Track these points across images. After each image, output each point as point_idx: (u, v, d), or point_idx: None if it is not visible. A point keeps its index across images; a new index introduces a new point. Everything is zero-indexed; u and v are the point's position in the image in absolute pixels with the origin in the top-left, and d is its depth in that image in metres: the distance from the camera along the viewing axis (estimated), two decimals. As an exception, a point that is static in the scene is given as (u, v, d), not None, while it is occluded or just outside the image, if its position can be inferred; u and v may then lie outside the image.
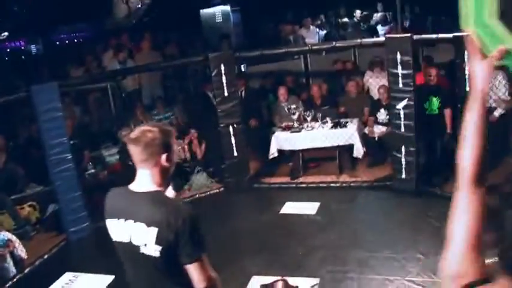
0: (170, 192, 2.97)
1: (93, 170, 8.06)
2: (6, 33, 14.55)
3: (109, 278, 5.77)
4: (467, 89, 5.94)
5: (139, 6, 6.31)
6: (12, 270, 5.93)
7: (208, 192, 8.06)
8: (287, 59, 9.97)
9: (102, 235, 7.03)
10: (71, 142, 7.10)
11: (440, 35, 6.88)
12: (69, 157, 6.80)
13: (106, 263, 6.20)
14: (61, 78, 9.49)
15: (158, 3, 13.10)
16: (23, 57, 16.02)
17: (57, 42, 17.17)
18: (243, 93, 8.71)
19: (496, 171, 6.33)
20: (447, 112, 7.06)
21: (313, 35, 11.99)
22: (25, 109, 8.21)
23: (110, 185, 7.43)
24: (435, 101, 7.08)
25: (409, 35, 6.70)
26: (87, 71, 10.12)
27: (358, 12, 14.74)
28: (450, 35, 6.37)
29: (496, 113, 6.88)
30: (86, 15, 13.55)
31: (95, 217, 7.36)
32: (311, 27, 12.13)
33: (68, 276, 5.97)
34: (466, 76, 5.92)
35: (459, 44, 6.04)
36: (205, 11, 12.66)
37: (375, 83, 8.54)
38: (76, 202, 6.91)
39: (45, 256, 6.59)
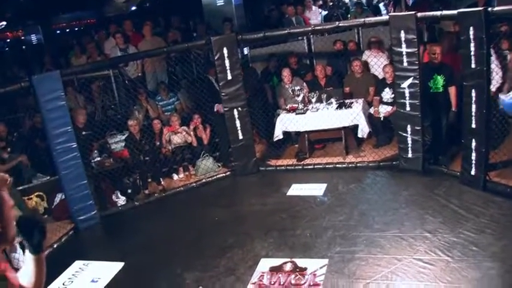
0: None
1: (98, 158, 8.07)
2: (4, 23, 14.50)
3: (119, 265, 5.82)
4: (473, 65, 5.89)
5: (139, -9, 6.23)
6: (23, 260, 5.96)
7: (215, 177, 8.08)
8: (290, 41, 9.89)
9: (111, 223, 7.18)
10: (83, 133, 7.10)
11: (445, 12, 6.79)
12: (74, 146, 6.80)
13: (115, 250, 6.29)
14: (63, 67, 9.51)
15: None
16: (23, 47, 16.00)
17: (58, 31, 17.13)
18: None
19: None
20: (452, 90, 7.00)
21: (315, 15, 11.90)
22: (28, 99, 8.22)
23: (116, 172, 7.57)
24: (440, 79, 7.02)
25: (413, 12, 6.62)
26: (89, 59, 10.11)
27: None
28: (455, 12, 6.29)
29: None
30: (85, 3, 13.52)
31: (103, 205, 7.44)
32: (313, 7, 12.03)
33: (78, 264, 6.01)
34: (472, 53, 5.85)
35: (464, 21, 5.96)
36: (206, -5, 12.55)
37: (374, 63, 8.47)
38: (83, 190, 6.93)
39: (55, 245, 6.62)
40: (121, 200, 7.75)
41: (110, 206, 7.58)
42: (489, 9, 5.69)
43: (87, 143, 7.66)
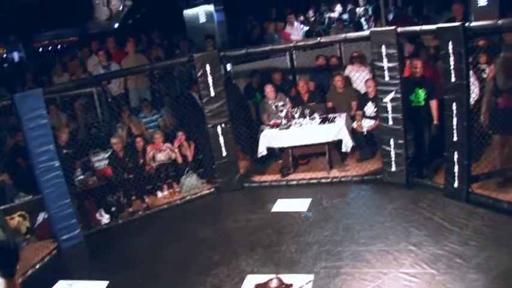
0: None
1: (82, 176, 8.01)
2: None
3: (103, 284, 5.75)
4: (453, 79, 5.97)
5: (121, 8, 6.26)
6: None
7: (199, 194, 8.04)
8: (273, 57, 9.95)
9: (94, 241, 7.09)
10: (64, 151, 7.04)
11: (424, 27, 6.90)
12: (57, 164, 6.74)
13: (99, 269, 6.22)
14: (45, 84, 9.46)
15: (141, 5, 13.08)
16: (5, 65, 15.88)
17: (40, 49, 17.06)
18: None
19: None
20: (433, 103, 7.09)
21: (297, 31, 12.00)
22: (10, 118, 8.14)
23: (100, 190, 7.50)
24: (421, 93, 7.11)
25: (393, 28, 6.70)
26: (73, 77, 10.07)
27: (339, 7, 14.85)
28: (434, 27, 6.39)
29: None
30: (67, 20, 13.47)
31: (86, 223, 7.36)
32: (295, 23, 12.13)
33: (61, 284, 5.93)
34: (451, 67, 5.94)
35: (443, 36, 6.06)
36: (188, 12, 12.62)
37: (357, 78, 8.55)
38: (66, 209, 6.86)
39: (37, 265, 6.52)
40: (105, 218, 7.67)
41: (93, 225, 7.50)
42: (466, 24, 5.79)
43: (69, 161, 7.59)
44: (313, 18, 14.54)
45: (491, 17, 6.87)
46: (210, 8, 12.43)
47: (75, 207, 7.11)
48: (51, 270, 6.47)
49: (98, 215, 7.69)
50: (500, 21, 5.53)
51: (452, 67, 5.94)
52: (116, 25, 7.27)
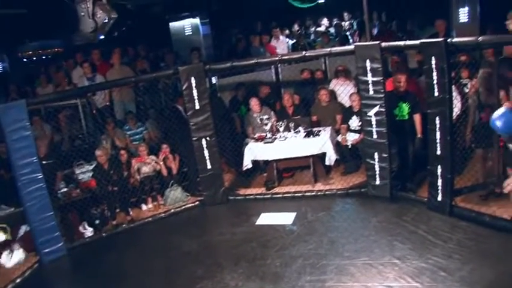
0: None
1: (65, 189, 7.94)
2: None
3: (85, 299, 5.68)
4: (436, 94, 6.04)
5: (106, 20, 6.25)
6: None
7: (183, 207, 8.01)
8: (258, 70, 9.99)
9: (77, 255, 7.01)
10: (44, 162, 6.99)
11: (408, 42, 6.99)
12: (40, 177, 6.69)
13: (82, 283, 6.17)
14: (29, 95, 9.40)
15: (127, 18, 13.07)
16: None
17: (24, 60, 16.93)
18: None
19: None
20: (417, 117, 7.16)
21: (283, 45, 12.07)
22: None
23: (84, 203, 7.43)
24: (405, 107, 7.18)
25: (377, 42, 6.77)
26: (58, 88, 10.00)
27: (325, 21, 14.95)
28: (417, 42, 6.49)
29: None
30: (52, 31, 13.41)
31: (69, 236, 7.29)
32: (280, 37, 12.20)
33: (42, 298, 5.85)
34: (434, 82, 6.01)
35: (426, 51, 6.14)
36: (174, 24, 12.65)
37: (346, 90, 8.60)
38: (49, 222, 6.79)
39: (18, 280, 6.43)
40: (88, 231, 7.59)
41: (76, 238, 7.42)
42: (449, 40, 5.88)
43: (50, 172, 7.50)
44: (298, 32, 14.62)
45: (472, 33, 6.98)
46: (196, 21, 12.47)
47: (58, 220, 7.03)
48: (32, 284, 6.39)
49: (81, 227, 7.61)
50: (480, 38, 5.63)
51: (435, 82, 6.03)
52: (102, 37, 7.25)
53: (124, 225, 7.68)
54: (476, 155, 6.93)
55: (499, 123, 3.91)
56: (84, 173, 8.29)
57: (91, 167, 8.18)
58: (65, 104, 9.03)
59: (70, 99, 8.92)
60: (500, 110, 4.12)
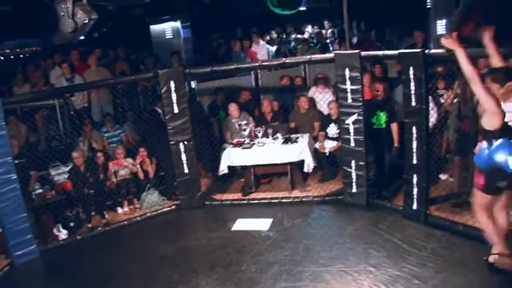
0: None
1: (40, 190, 7.83)
2: None
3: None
4: (414, 103, 6.12)
5: (86, 21, 6.20)
6: None
7: (160, 210, 7.96)
8: (238, 75, 10.00)
9: (51, 258, 6.90)
10: (16, 162, 6.88)
11: (387, 52, 7.07)
12: (14, 177, 6.57)
13: (54, 287, 6.05)
14: (5, 95, 9.26)
15: (108, 19, 12.99)
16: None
17: (1, 58, 16.71)
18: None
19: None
20: (394, 126, 7.23)
21: (263, 50, 12.10)
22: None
23: (59, 205, 7.31)
24: (382, 116, 7.26)
25: (357, 51, 6.83)
26: (35, 88, 9.88)
27: (309, 28, 15.04)
28: (396, 52, 6.56)
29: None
30: (31, 30, 13.26)
31: (43, 239, 7.18)
32: (261, 42, 12.24)
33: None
34: (412, 92, 6.09)
35: (404, 61, 6.22)
36: (155, 27, 12.61)
37: (324, 98, 8.66)
38: (22, 224, 6.66)
39: (-13, 282, 6.32)
40: (62, 234, 7.49)
41: (50, 240, 7.31)
42: (426, 51, 5.97)
43: (23, 172, 7.38)
44: (279, 39, 14.68)
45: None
46: (177, 24, 12.45)
47: (32, 221, 6.92)
48: (2, 287, 6.27)
49: (55, 230, 7.50)
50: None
51: (412, 92, 6.10)
52: (82, 38, 7.19)
53: (99, 228, 7.60)
54: (454, 163, 6.99)
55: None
56: (60, 174, 8.17)
57: (67, 169, 8.08)
58: (42, 104, 8.93)
59: (47, 100, 8.82)
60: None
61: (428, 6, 11.15)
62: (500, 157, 4.38)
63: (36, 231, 6.96)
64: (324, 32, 14.61)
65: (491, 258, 5.00)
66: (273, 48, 12.76)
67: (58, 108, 9.14)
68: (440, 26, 10.64)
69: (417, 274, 5.21)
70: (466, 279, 5.02)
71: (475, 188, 4.91)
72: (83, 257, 6.80)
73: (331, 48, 12.88)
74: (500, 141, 4.47)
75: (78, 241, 7.33)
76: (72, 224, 7.67)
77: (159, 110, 8.29)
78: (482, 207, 4.89)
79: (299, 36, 14.42)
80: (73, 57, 10.42)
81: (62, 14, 6.11)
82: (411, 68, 6.03)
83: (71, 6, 6.06)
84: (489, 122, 4.60)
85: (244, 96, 9.34)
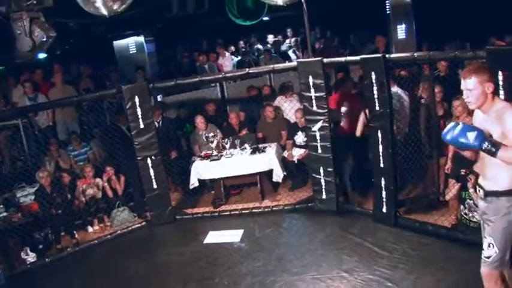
0: None
1: (5, 213, 7.65)
2: None
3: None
4: (377, 108, 6.18)
5: (45, 39, 6.08)
6: None
7: (130, 227, 7.84)
8: (203, 88, 9.98)
9: (18, 283, 6.71)
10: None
11: (349, 58, 7.14)
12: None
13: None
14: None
15: (70, 36, 12.82)
16: None
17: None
18: (160, 123, 8.65)
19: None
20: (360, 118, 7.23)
21: (228, 61, 12.13)
22: None
23: (26, 227, 7.11)
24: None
25: (319, 58, 6.87)
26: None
27: (271, 38, 15.10)
28: (358, 58, 6.63)
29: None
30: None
31: (9, 264, 6.99)
32: (226, 54, 12.26)
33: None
34: (375, 96, 6.16)
35: (366, 66, 6.29)
36: (118, 42, 12.50)
37: (289, 107, 8.71)
38: (-14, 249, 6.49)
39: None
40: (30, 257, 7.30)
41: (17, 265, 7.13)
42: (387, 55, 6.07)
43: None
44: (243, 49, 14.72)
45: (409, 49, 7.23)
46: (140, 39, 12.35)
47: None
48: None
49: (23, 253, 7.32)
50: (416, 54, 5.88)
51: (376, 96, 6.17)
52: (41, 56, 7.05)
53: (69, 249, 7.44)
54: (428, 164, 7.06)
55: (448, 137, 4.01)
56: (26, 196, 8.01)
57: (33, 190, 7.92)
58: (5, 124, 8.76)
59: (10, 120, 8.65)
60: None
61: (387, 12, 11.32)
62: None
63: (1, 256, 6.78)
64: (288, 40, 14.68)
65: None
66: (238, 59, 12.80)
67: (22, 128, 8.97)
68: (400, 30, 10.81)
69: (389, 277, 5.25)
70: (435, 278, 5.08)
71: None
72: (53, 280, 6.63)
73: (293, 57, 12.96)
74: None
75: (48, 263, 7.15)
76: (41, 246, 7.50)
77: (122, 126, 8.20)
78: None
79: (259, 46, 14.46)
80: (36, 76, 10.27)
81: (19, 32, 5.98)
82: (373, 73, 6.11)
83: (27, 24, 5.92)
84: None
85: (209, 108, 9.33)
